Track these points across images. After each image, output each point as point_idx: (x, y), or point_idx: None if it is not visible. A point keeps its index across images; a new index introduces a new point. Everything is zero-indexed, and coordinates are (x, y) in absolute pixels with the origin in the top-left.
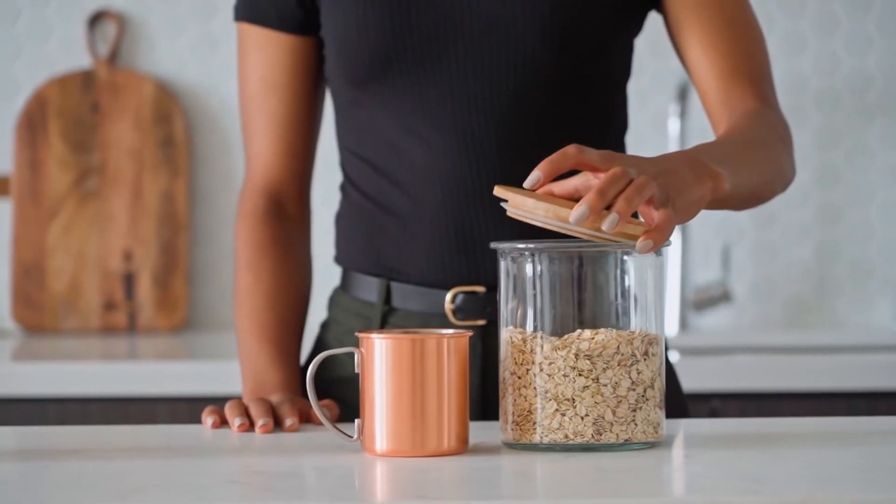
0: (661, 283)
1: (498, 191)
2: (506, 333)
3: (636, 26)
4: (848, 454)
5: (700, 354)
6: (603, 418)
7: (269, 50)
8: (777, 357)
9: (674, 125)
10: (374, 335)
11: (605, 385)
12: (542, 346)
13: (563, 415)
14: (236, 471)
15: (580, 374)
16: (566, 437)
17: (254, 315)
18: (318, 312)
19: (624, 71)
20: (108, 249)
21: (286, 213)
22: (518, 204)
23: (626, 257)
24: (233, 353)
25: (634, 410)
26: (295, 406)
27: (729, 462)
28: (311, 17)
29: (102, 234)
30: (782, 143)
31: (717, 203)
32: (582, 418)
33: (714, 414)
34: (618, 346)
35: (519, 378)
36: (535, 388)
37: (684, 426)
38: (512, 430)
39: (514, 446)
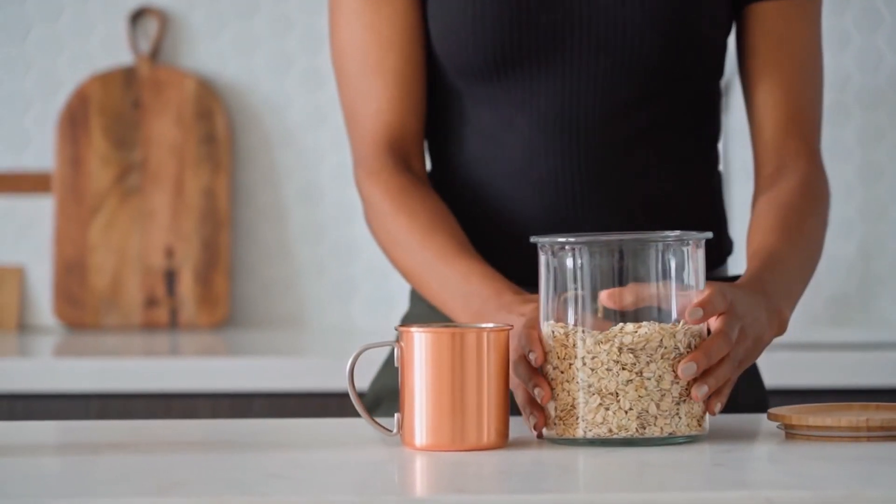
0: (702, 276)
1: (781, 418)
2: (547, 328)
3: (731, 27)
4: (894, 450)
5: None
6: (647, 412)
7: (385, 9)
8: (820, 354)
9: None
10: (413, 329)
11: (649, 378)
12: (584, 341)
13: (607, 409)
14: (277, 464)
15: (623, 368)
16: (610, 431)
17: (427, 242)
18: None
19: (721, 73)
20: (150, 246)
21: (413, 168)
22: (822, 423)
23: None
24: (274, 349)
25: (678, 404)
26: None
27: (772, 457)
28: None
29: (144, 230)
30: (824, 224)
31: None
32: (626, 412)
33: None
34: (661, 340)
35: (562, 373)
36: (577, 382)
37: (728, 421)
38: (555, 424)
39: (558, 441)
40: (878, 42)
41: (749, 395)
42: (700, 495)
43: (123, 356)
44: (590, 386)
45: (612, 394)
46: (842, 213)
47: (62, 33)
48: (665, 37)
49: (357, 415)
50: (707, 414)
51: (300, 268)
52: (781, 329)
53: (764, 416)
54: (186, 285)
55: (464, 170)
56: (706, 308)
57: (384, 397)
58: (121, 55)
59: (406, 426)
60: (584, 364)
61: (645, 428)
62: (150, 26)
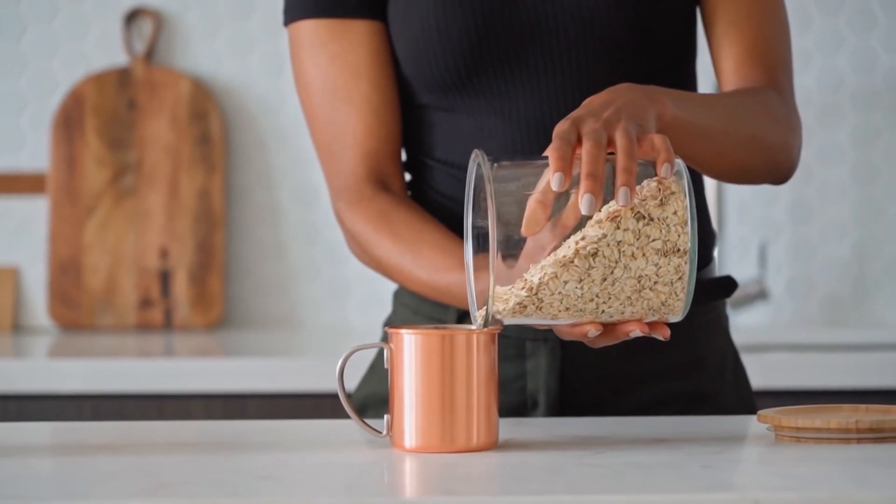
0: (532, 159)
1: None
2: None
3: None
4: (882, 452)
5: None
6: (665, 252)
7: (349, 38)
8: (814, 355)
9: None
10: (403, 331)
11: (625, 249)
12: (571, 309)
13: (651, 289)
14: (265, 466)
15: (624, 266)
16: (692, 270)
17: (420, 262)
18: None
19: (693, 46)
20: (145, 247)
21: (392, 188)
22: (812, 424)
23: None
24: (269, 349)
25: (648, 219)
26: None
27: (761, 459)
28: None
29: (139, 231)
30: (771, 120)
31: (668, 130)
32: (659, 266)
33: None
34: (591, 237)
35: (606, 322)
36: (623, 311)
37: (717, 423)
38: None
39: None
40: (873, 43)
41: (734, 397)
42: (688, 497)
43: (118, 357)
44: (624, 310)
45: (642, 280)
46: (836, 214)
47: (57, 34)
48: (633, 12)
49: (348, 416)
50: (670, 167)
51: (294, 268)
52: (663, 113)
53: (753, 417)
54: (181, 286)
55: (445, 180)
56: (555, 158)
57: (369, 405)
58: (115, 56)
59: (395, 428)
60: (599, 309)
61: (681, 249)
62: (145, 27)
